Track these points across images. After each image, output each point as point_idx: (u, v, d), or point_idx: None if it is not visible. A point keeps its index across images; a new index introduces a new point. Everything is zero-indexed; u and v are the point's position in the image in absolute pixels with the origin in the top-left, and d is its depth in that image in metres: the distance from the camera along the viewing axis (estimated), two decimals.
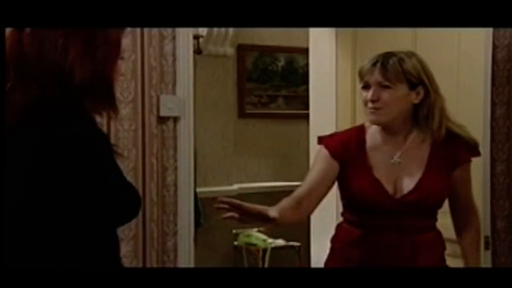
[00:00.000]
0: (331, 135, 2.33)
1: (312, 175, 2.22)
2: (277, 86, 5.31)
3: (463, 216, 2.26)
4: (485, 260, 2.76)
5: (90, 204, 1.50)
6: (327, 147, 2.22)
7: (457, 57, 2.74)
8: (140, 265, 2.87)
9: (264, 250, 4.71)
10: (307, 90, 3.71)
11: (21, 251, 1.49)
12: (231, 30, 4.77)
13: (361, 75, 2.17)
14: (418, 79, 2.13)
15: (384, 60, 2.12)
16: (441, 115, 2.15)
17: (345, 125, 3.35)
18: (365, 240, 2.16)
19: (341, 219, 2.29)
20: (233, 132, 4.96)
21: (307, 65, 3.78)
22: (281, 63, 5.31)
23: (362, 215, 2.18)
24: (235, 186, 4.92)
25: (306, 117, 3.72)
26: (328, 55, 3.43)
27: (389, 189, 2.13)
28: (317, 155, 2.26)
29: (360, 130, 2.25)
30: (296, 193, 2.20)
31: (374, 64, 2.13)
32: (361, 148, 2.20)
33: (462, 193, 2.23)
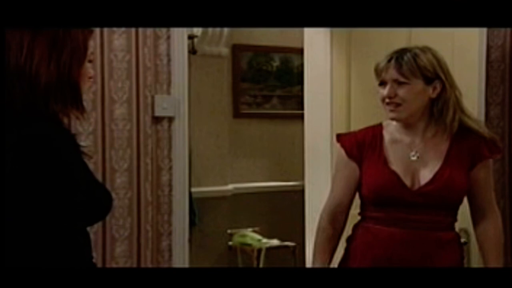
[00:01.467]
0: (347, 134, 2.36)
1: (338, 187, 2.26)
2: (272, 86, 5.31)
3: (482, 218, 2.23)
4: (480, 260, 2.75)
5: (56, 204, 1.50)
6: (343, 146, 2.26)
7: (452, 57, 2.74)
8: (135, 265, 2.86)
9: (259, 250, 4.70)
10: (302, 90, 3.72)
11: None
12: (225, 30, 4.77)
13: (377, 72, 2.19)
14: (434, 74, 2.14)
15: (398, 57, 2.14)
16: (455, 109, 2.17)
17: (340, 124, 3.36)
18: (389, 236, 2.15)
19: (357, 219, 2.29)
20: (228, 132, 4.96)
21: (302, 65, 3.78)
22: (276, 63, 5.31)
23: (382, 210, 2.17)
24: (230, 186, 4.91)
25: (301, 117, 3.72)
26: (323, 55, 3.43)
27: (407, 181, 2.15)
28: (337, 157, 2.30)
29: (376, 127, 2.27)
30: (328, 209, 2.27)
31: (389, 61, 2.15)
32: (378, 144, 2.22)
33: (481, 192, 2.21)
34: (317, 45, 3.47)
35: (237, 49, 5.10)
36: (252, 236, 4.80)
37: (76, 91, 1.59)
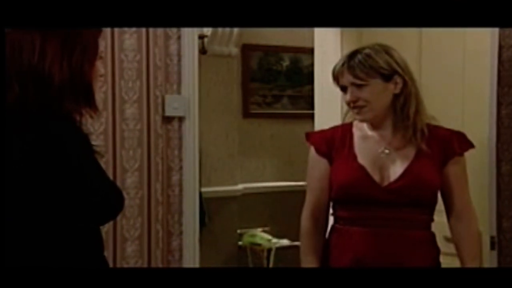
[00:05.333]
0: (316, 132, 2.35)
1: (312, 188, 2.26)
2: (282, 86, 5.30)
3: (456, 218, 2.18)
4: (491, 260, 2.75)
5: (70, 203, 1.51)
6: (312, 144, 2.26)
7: (463, 57, 2.73)
8: (145, 265, 2.87)
9: (269, 250, 4.70)
10: (312, 90, 3.71)
11: (7, 250, 1.49)
12: (235, 30, 4.77)
13: (334, 78, 2.18)
14: (391, 70, 2.12)
15: (350, 60, 2.12)
16: (417, 102, 2.15)
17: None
18: (360, 238, 2.11)
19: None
20: (238, 132, 4.96)
21: (312, 65, 3.77)
22: (286, 63, 5.30)
23: (352, 209, 2.13)
24: (240, 186, 4.92)
25: (311, 117, 3.71)
26: (333, 55, 3.42)
27: (376, 176, 2.11)
28: (310, 157, 2.28)
29: (346, 125, 2.26)
30: (307, 212, 2.27)
31: (342, 65, 2.14)
32: (347, 141, 2.20)
33: (453, 191, 2.17)
34: (327, 45, 3.46)
35: (247, 49, 5.10)
36: (262, 236, 4.79)
37: (89, 89, 1.60)
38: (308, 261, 2.22)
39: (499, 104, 2.85)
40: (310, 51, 3.77)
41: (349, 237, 2.14)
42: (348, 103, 2.15)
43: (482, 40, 2.69)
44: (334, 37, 3.40)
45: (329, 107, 3.47)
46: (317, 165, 2.24)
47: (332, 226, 2.24)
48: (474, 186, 2.65)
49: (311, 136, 2.29)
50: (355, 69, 2.10)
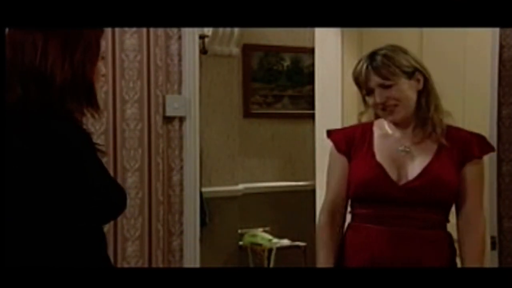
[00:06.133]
0: (337, 129, 2.35)
1: (331, 185, 2.25)
2: (282, 86, 5.30)
3: (466, 223, 2.16)
4: (492, 260, 2.75)
5: (73, 201, 1.51)
6: (333, 141, 2.25)
7: (464, 56, 2.73)
8: (146, 265, 2.87)
9: (270, 250, 4.70)
10: (312, 90, 3.71)
11: (8, 249, 1.50)
12: (236, 30, 4.77)
13: (360, 84, 2.17)
14: (412, 67, 2.14)
15: (372, 62, 2.12)
16: (436, 98, 2.17)
17: (351, 124, 3.34)
18: (376, 236, 2.12)
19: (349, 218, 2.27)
20: (239, 132, 4.96)
21: (312, 64, 3.77)
22: (287, 63, 5.30)
23: (369, 207, 2.14)
24: (241, 186, 4.91)
25: (312, 117, 3.71)
26: (333, 54, 3.42)
27: (393, 175, 2.12)
28: (329, 154, 2.28)
29: (367, 124, 2.26)
30: (325, 208, 2.25)
31: (366, 68, 2.13)
32: (367, 139, 2.20)
33: (466, 194, 2.15)
34: (328, 45, 3.46)
35: (247, 49, 5.09)
36: (262, 236, 4.79)
37: (91, 89, 1.61)
38: (323, 255, 2.22)
39: (500, 104, 2.85)
40: (311, 51, 3.77)
41: (366, 235, 2.15)
42: (377, 105, 2.15)
43: (483, 40, 2.69)
44: (334, 37, 3.40)
45: (329, 107, 3.47)
46: (336, 162, 2.24)
47: (349, 224, 2.25)
48: None
49: (332, 134, 2.29)
50: (381, 70, 2.11)
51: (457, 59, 2.75)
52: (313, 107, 3.68)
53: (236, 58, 4.93)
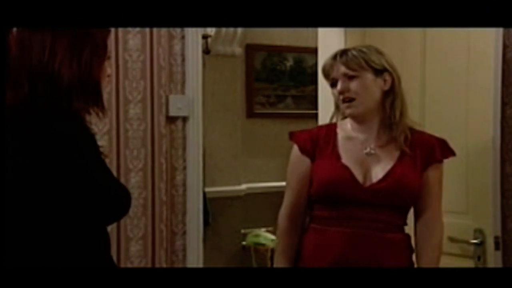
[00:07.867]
0: (300, 131, 2.33)
1: (292, 187, 2.24)
2: (285, 85, 5.30)
3: (424, 226, 2.15)
4: (496, 260, 2.74)
5: (77, 202, 1.51)
6: (296, 142, 2.24)
7: (467, 56, 2.72)
8: (149, 265, 2.87)
9: (273, 250, 4.70)
10: (315, 89, 3.70)
11: (12, 249, 1.50)
12: (239, 30, 4.77)
13: (325, 73, 2.21)
14: (382, 66, 2.15)
15: (343, 53, 2.17)
16: (403, 104, 2.17)
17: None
18: (338, 238, 2.09)
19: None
20: (242, 132, 4.96)
21: (315, 64, 3.78)
22: (290, 62, 5.30)
23: (332, 208, 2.12)
24: (244, 186, 4.92)
25: (315, 117, 3.71)
26: None
27: (359, 177, 2.11)
28: (292, 155, 2.26)
29: (331, 125, 2.27)
30: (286, 211, 2.25)
31: (334, 58, 2.17)
32: (332, 140, 2.20)
33: (426, 197, 2.15)
34: (331, 45, 3.45)
35: (250, 49, 5.10)
36: (265, 236, 4.80)
37: (97, 89, 1.61)
38: (281, 263, 2.22)
39: (503, 104, 2.84)
40: (314, 51, 3.77)
41: (328, 238, 2.12)
42: (338, 97, 2.17)
43: (486, 40, 2.68)
44: (338, 37, 3.40)
45: (332, 107, 3.46)
46: (299, 164, 2.22)
47: (308, 225, 2.22)
48: (478, 186, 2.66)
49: (294, 135, 2.27)
50: (348, 61, 2.14)
51: (461, 59, 2.74)
52: (316, 107, 3.68)
53: (239, 58, 4.93)
